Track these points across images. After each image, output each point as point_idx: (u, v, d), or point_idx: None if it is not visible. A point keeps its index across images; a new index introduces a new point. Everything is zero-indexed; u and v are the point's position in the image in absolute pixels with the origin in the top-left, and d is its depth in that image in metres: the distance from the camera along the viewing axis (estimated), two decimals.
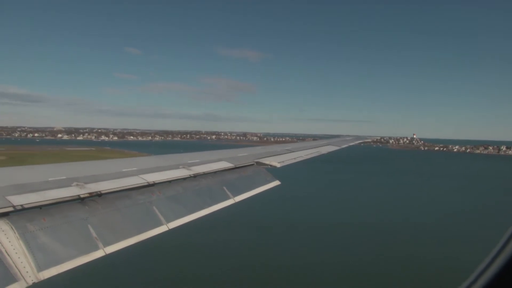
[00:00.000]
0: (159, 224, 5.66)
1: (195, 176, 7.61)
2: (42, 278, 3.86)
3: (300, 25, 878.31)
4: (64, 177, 5.63)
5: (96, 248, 4.58)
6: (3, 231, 3.97)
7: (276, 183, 9.39)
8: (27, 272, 3.78)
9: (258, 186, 8.80)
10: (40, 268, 3.92)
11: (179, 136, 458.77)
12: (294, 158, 12.18)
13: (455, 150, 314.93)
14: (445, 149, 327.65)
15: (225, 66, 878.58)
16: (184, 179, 7.36)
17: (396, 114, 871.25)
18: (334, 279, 36.41)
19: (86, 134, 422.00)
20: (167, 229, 5.68)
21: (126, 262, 32.63)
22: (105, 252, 4.61)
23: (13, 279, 3.62)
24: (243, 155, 10.77)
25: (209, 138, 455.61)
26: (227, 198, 7.51)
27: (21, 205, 4.38)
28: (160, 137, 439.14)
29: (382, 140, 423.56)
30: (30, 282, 3.74)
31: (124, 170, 6.76)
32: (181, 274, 35.26)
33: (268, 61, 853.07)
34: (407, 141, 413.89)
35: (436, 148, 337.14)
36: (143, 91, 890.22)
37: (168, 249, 37.88)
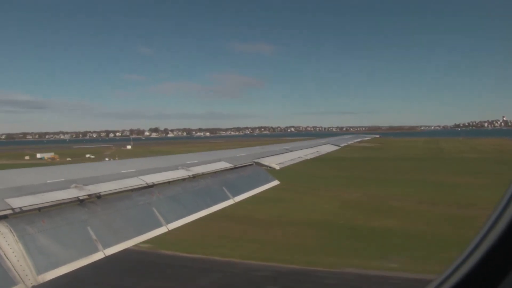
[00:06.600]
0: (159, 225, 5.65)
1: (194, 177, 7.61)
2: (41, 281, 3.84)
3: (314, 15, 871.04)
4: (63, 179, 5.62)
5: (95, 250, 4.56)
6: (1, 234, 3.94)
7: (276, 182, 9.41)
8: (26, 275, 3.76)
9: (257, 186, 8.81)
10: (40, 271, 3.89)
11: (264, 129, 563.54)
12: (292, 159, 12.28)
13: None
14: None
15: (237, 61, 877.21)
16: (183, 179, 7.36)
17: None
18: None
19: (176, 131, 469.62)
20: (166, 230, 5.67)
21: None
22: (104, 254, 4.59)
23: (12, 282, 3.60)
24: (242, 155, 10.79)
25: (289, 130, 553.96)
26: (226, 198, 7.51)
27: (20, 208, 4.35)
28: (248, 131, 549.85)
29: (475, 123, 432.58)
30: (30, 285, 3.71)
31: (123, 171, 6.75)
32: None
33: (279, 53, 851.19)
34: (503, 124, 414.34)
35: None
36: (153, 91, 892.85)
37: None
